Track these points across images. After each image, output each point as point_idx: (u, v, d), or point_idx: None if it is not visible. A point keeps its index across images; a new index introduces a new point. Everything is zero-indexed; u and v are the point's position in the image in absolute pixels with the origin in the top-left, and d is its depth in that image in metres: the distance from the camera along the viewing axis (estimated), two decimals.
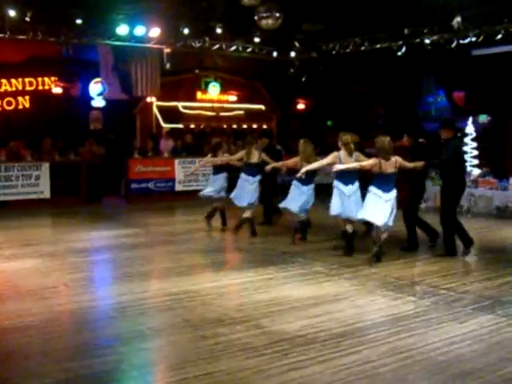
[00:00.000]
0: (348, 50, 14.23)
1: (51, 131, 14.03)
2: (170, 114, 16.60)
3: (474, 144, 13.79)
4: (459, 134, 13.72)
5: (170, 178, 14.18)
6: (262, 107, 18.22)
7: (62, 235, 9.36)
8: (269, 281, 6.39)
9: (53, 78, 15.65)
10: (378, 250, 7.19)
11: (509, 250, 8.38)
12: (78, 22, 12.28)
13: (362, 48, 13.90)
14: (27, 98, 15.66)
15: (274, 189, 10.50)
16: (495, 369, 4.00)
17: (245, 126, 17.86)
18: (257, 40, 14.33)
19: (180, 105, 16.86)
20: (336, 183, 7.63)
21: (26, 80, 15.60)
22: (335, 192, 7.62)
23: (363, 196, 7.45)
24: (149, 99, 15.97)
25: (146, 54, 14.37)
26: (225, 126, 17.61)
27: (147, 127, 16.50)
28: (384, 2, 11.28)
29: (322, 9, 12.16)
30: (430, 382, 3.82)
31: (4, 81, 15.27)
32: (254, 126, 18.00)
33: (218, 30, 13.50)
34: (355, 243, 7.80)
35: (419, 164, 7.35)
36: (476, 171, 12.95)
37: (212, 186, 9.72)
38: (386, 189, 7.09)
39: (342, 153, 7.60)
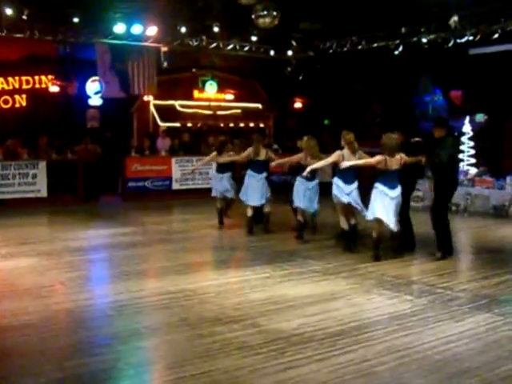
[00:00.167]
0: (345, 49, 14.23)
1: (48, 130, 14.01)
2: (167, 113, 16.57)
3: (471, 143, 13.81)
4: (456, 133, 13.79)
5: (167, 177, 14.18)
6: (259, 106, 18.21)
7: (58, 234, 9.34)
8: (265, 279, 6.39)
9: (50, 77, 15.60)
10: (377, 251, 7.25)
11: (505, 249, 8.39)
12: (75, 20, 12.24)
13: (359, 47, 13.89)
14: (24, 96, 15.61)
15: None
16: (492, 367, 4.01)
17: (242, 125, 17.84)
18: (254, 39, 14.31)
19: (177, 103, 16.84)
20: (335, 180, 7.68)
21: (23, 78, 15.54)
22: (335, 188, 7.67)
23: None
24: (146, 98, 15.95)
25: (143, 52, 14.34)
26: (222, 125, 17.59)
27: (144, 126, 16.47)
28: (381, 0, 11.28)
29: (319, 7, 12.15)
30: (426, 380, 3.83)
31: (1, 79, 15.20)
32: (251, 124, 17.99)
33: (215, 29, 13.48)
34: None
35: (421, 158, 7.38)
36: (473, 170, 12.97)
37: (216, 188, 9.76)
38: (391, 186, 7.15)
39: (346, 151, 7.64)
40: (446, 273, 6.70)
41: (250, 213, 9.21)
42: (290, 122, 18.49)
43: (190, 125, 17.00)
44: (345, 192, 7.62)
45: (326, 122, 18.75)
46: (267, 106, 18.27)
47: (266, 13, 10.36)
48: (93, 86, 15.94)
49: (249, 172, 9.24)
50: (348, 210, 7.83)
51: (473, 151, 13.79)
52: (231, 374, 3.90)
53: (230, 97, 17.63)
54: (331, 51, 14.58)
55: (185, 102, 16.95)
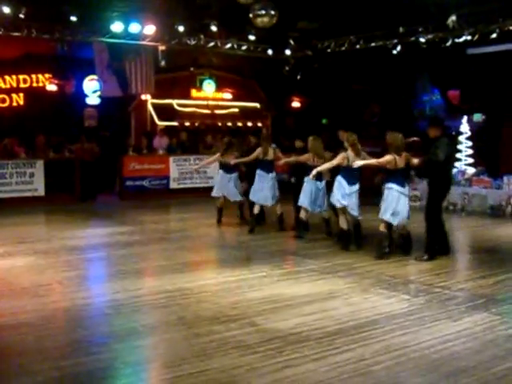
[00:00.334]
0: (343, 48, 14.22)
1: (45, 129, 13.98)
2: (165, 112, 16.56)
3: (469, 143, 13.82)
4: (453, 133, 13.80)
5: (165, 176, 14.17)
6: (257, 105, 18.21)
7: (56, 233, 9.33)
8: (263, 279, 6.40)
9: (47, 76, 15.59)
10: (389, 248, 7.31)
11: (503, 249, 8.41)
12: (73, 19, 12.21)
13: (357, 46, 13.89)
14: (21, 95, 15.60)
15: None
16: (489, 366, 4.02)
17: (240, 124, 17.84)
18: (252, 38, 14.31)
19: (175, 102, 16.82)
20: (339, 179, 7.71)
21: (21, 77, 15.53)
22: (337, 186, 7.70)
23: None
24: (143, 97, 15.94)
25: (141, 51, 14.33)
26: (220, 124, 17.58)
27: (142, 125, 16.46)
28: (379, 0, 11.29)
29: (317, 7, 12.17)
30: (423, 379, 3.83)
31: None
32: (249, 123, 17.99)
33: (213, 28, 13.47)
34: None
35: (420, 160, 7.41)
36: (470, 170, 12.98)
37: (222, 190, 9.80)
38: (402, 184, 7.24)
39: (350, 153, 7.67)
40: (444, 272, 6.71)
41: (256, 210, 9.28)
42: (288, 121, 18.50)
43: (187, 124, 16.98)
44: (346, 192, 7.63)
45: (323, 121, 18.75)
46: (265, 105, 18.27)
47: (263, 12, 10.37)
48: (90, 85, 15.94)
49: (259, 172, 9.26)
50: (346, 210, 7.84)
51: (470, 151, 13.80)
52: (228, 372, 3.90)
53: (228, 96, 17.63)
54: (329, 50, 14.58)
55: (183, 101, 16.94)
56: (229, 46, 14.66)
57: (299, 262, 7.25)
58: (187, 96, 17.05)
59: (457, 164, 13.34)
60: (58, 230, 9.64)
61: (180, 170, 14.28)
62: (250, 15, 10.56)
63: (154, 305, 5.46)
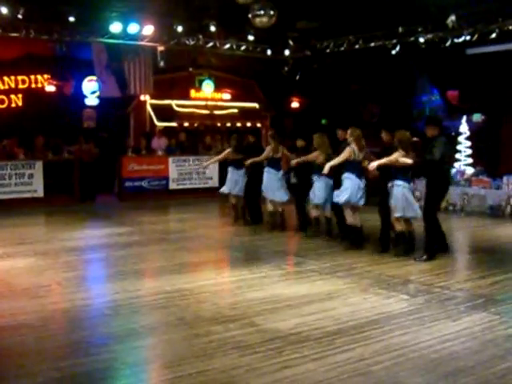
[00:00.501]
0: (342, 49, 14.23)
1: (44, 129, 13.96)
2: (164, 113, 16.55)
3: (468, 143, 13.82)
4: (452, 133, 13.80)
5: (164, 177, 14.16)
6: (256, 105, 18.21)
7: (55, 234, 9.33)
8: (262, 279, 6.39)
9: (46, 76, 15.57)
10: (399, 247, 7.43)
11: (502, 249, 8.41)
12: (71, 19, 12.20)
13: (357, 46, 13.90)
14: (20, 96, 15.57)
15: (260, 187, 10.34)
16: (488, 366, 4.02)
17: (239, 125, 17.84)
18: (251, 38, 14.31)
19: (174, 103, 16.81)
20: (349, 175, 7.75)
21: (19, 78, 15.50)
22: (349, 182, 7.72)
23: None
24: (142, 97, 15.93)
25: (140, 51, 14.32)
26: (219, 125, 17.57)
27: (141, 125, 16.45)
28: (378, 0, 11.29)
29: (316, 7, 12.16)
30: (422, 379, 3.84)
31: None
32: (248, 124, 17.98)
33: (212, 28, 13.47)
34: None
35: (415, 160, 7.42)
36: (470, 170, 12.98)
37: (232, 186, 9.86)
38: (409, 180, 7.34)
39: (355, 147, 7.73)
40: (443, 272, 6.71)
41: (271, 208, 9.38)
42: (287, 121, 18.49)
43: (186, 124, 16.97)
44: (361, 187, 7.72)
45: (323, 121, 18.75)
46: (264, 105, 18.27)
47: (262, 12, 10.38)
48: (89, 86, 15.92)
49: (268, 169, 9.30)
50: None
51: (469, 151, 13.80)
52: (228, 373, 3.90)
53: (227, 96, 17.62)
54: (328, 51, 14.59)
55: (181, 101, 16.93)
56: (228, 46, 14.66)
57: (299, 262, 7.25)
58: (186, 96, 17.05)
59: (456, 164, 13.35)
60: (58, 231, 9.64)
61: (179, 171, 14.28)
62: (249, 15, 10.56)
63: (153, 305, 5.46)
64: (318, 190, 8.49)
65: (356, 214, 7.95)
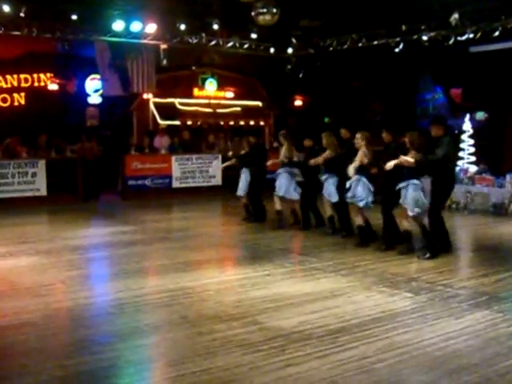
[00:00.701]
0: (345, 47, 14.22)
1: (47, 128, 13.99)
2: (167, 111, 16.57)
3: (471, 141, 13.79)
4: (456, 132, 13.76)
5: (167, 175, 14.17)
6: (259, 104, 18.21)
7: (58, 232, 9.34)
8: (266, 277, 6.39)
9: (48, 75, 15.59)
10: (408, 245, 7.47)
11: (505, 247, 8.39)
12: (74, 17, 12.23)
13: (360, 44, 13.88)
14: (23, 94, 15.60)
15: (262, 185, 10.38)
16: (491, 364, 4.02)
17: (242, 123, 17.84)
18: (254, 36, 14.31)
19: (177, 101, 16.83)
20: (363, 179, 7.81)
21: (22, 76, 15.53)
22: (363, 186, 7.80)
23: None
24: (145, 96, 15.94)
25: (142, 50, 14.32)
26: (222, 123, 17.59)
27: (144, 124, 16.47)
28: None
29: (319, 5, 12.15)
30: (426, 377, 3.83)
31: None
32: (252, 122, 17.99)
33: (215, 26, 13.47)
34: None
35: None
36: (473, 168, 12.95)
37: (242, 186, 9.94)
38: (420, 180, 7.41)
39: (366, 150, 7.79)
40: (446, 270, 6.70)
41: (279, 207, 9.45)
42: (290, 120, 18.48)
43: (189, 123, 17.00)
44: (372, 190, 7.83)
45: (326, 120, 18.74)
46: (267, 104, 18.26)
47: (265, 10, 10.38)
48: (92, 84, 15.95)
49: (286, 169, 9.28)
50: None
51: (473, 149, 13.78)
52: (231, 371, 3.91)
53: (230, 95, 17.63)
54: (331, 49, 14.57)
55: (185, 99, 16.95)
56: (231, 44, 14.66)
57: (302, 260, 7.25)
58: (189, 95, 17.06)
59: (459, 162, 13.32)
60: (61, 229, 9.65)
61: (182, 169, 14.29)
62: (252, 13, 10.57)
63: (156, 304, 5.47)
64: (331, 188, 8.54)
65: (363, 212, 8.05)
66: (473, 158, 13.64)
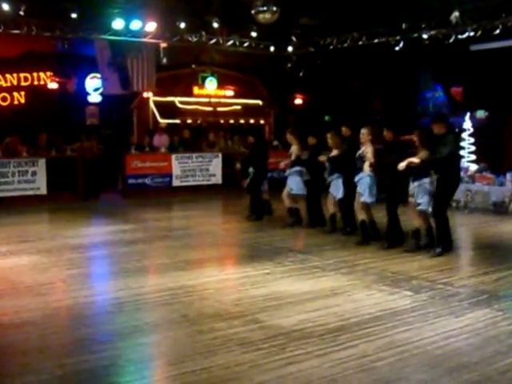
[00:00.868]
0: (346, 45, 14.20)
1: (47, 127, 13.98)
2: (167, 110, 16.56)
3: (472, 139, 13.78)
4: (457, 130, 13.75)
5: (167, 174, 14.16)
6: (260, 102, 18.20)
7: (58, 231, 9.34)
8: (266, 276, 6.40)
9: (48, 73, 15.58)
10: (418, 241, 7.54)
11: (505, 245, 8.39)
12: (73, 16, 12.21)
13: (360, 43, 13.87)
14: (23, 93, 15.60)
15: (261, 184, 10.36)
16: (491, 362, 4.02)
17: (242, 121, 17.83)
18: (254, 34, 14.29)
19: (177, 100, 16.82)
20: (369, 174, 7.86)
21: (22, 75, 15.52)
22: (370, 183, 7.84)
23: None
24: (145, 94, 15.93)
25: (142, 48, 14.31)
26: (222, 121, 17.58)
27: (144, 123, 16.46)
28: None
29: (319, 3, 12.14)
30: (426, 375, 3.83)
31: None
32: (252, 121, 17.97)
33: (215, 25, 13.45)
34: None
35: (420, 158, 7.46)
36: (473, 167, 12.94)
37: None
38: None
39: (372, 148, 7.87)
40: (446, 268, 6.70)
41: (289, 204, 9.44)
42: (290, 118, 18.47)
43: (189, 121, 16.99)
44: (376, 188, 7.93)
45: (326, 118, 18.72)
46: (267, 102, 18.25)
47: (265, 8, 10.37)
48: (92, 83, 15.94)
49: (297, 168, 9.26)
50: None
51: (473, 148, 13.76)
52: (231, 369, 3.91)
53: (230, 93, 17.62)
54: (332, 47, 14.55)
55: (185, 98, 16.94)
56: (231, 42, 14.65)
57: (302, 259, 7.25)
58: (189, 93, 17.05)
59: (461, 161, 13.30)
60: (61, 228, 9.65)
61: (182, 168, 14.28)
62: (252, 11, 10.55)
63: (156, 302, 5.47)
64: (339, 184, 8.55)
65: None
66: (473, 157, 13.62)
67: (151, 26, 13.08)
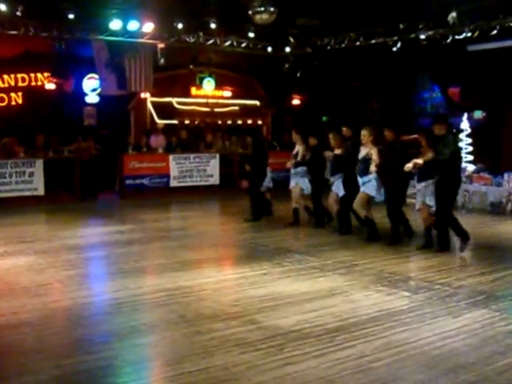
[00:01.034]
0: (343, 46, 14.21)
1: (44, 128, 13.96)
2: (165, 110, 16.54)
3: (469, 140, 13.80)
4: (454, 130, 13.76)
5: (165, 174, 14.15)
6: (257, 103, 18.19)
7: (56, 232, 9.32)
8: (263, 276, 6.40)
9: (46, 74, 15.55)
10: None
11: (503, 246, 8.41)
12: (71, 16, 12.19)
13: (358, 43, 13.87)
14: (20, 94, 15.57)
15: (260, 184, 10.34)
16: (488, 362, 4.02)
17: (239, 122, 17.83)
18: (251, 35, 14.28)
19: (174, 100, 16.81)
20: (376, 176, 7.92)
21: (19, 76, 15.50)
22: (376, 182, 7.90)
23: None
24: (143, 95, 15.91)
25: (140, 49, 14.29)
26: (219, 122, 17.57)
27: (142, 123, 16.44)
28: None
29: (316, 3, 12.14)
30: (423, 375, 3.84)
31: None
32: (249, 121, 17.97)
33: (212, 25, 13.44)
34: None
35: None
36: (470, 167, 12.96)
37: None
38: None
39: (376, 148, 7.91)
40: (444, 269, 6.71)
41: (296, 204, 9.53)
42: (288, 118, 18.48)
43: (187, 122, 16.97)
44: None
45: (324, 119, 18.74)
46: (265, 102, 18.25)
47: (263, 9, 10.38)
48: (89, 84, 15.91)
49: (302, 168, 9.33)
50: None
51: (471, 148, 13.78)
52: (229, 370, 3.91)
53: (228, 94, 17.61)
54: (329, 48, 14.56)
55: (182, 99, 16.92)
56: (228, 43, 14.64)
57: (299, 259, 7.25)
58: (187, 94, 17.03)
59: (462, 162, 13.32)
60: (58, 229, 9.63)
61: (180, 169, 14.27)
62: (250, 12, 10.56)
63: (154, 303, 5.46)
64: (340, 184, 8.59)
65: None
66: (470, 157, 13.64)
67: (149, 27, 13.07)
